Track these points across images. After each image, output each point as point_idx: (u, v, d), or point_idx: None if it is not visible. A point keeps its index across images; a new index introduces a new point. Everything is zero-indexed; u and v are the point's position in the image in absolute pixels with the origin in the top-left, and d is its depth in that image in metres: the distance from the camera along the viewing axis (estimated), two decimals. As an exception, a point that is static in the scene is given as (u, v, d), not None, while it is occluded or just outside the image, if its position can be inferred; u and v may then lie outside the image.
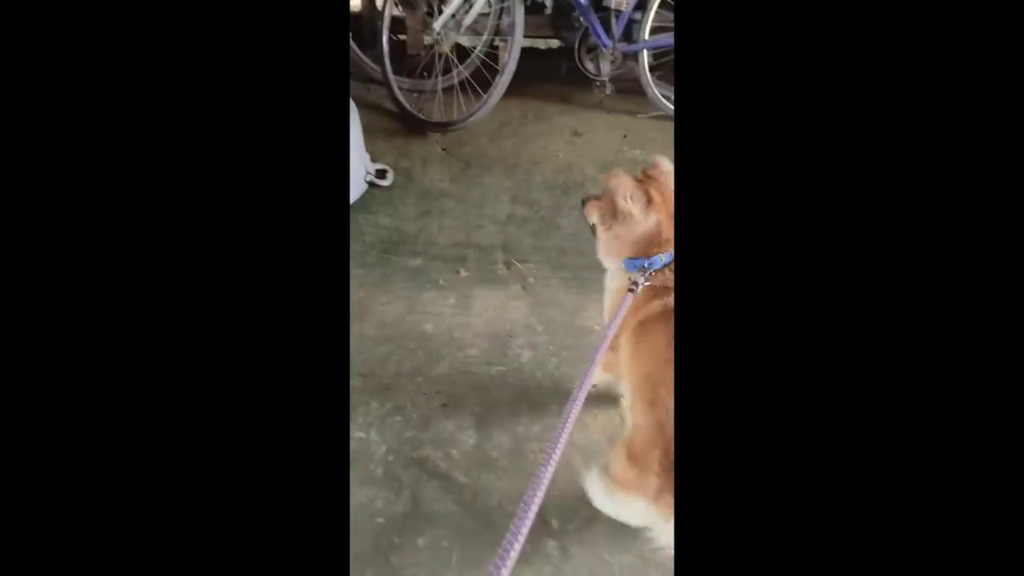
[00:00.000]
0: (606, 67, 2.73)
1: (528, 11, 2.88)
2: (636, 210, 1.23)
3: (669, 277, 1.20)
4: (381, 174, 2.32)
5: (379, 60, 2.56)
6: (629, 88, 2.92)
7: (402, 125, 2.67)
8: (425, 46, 2.68)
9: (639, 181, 1.26)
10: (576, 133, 2.73)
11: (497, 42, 2.73)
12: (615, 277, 1.30)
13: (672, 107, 2.74)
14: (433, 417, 1.49)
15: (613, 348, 1.29)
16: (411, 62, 2.69)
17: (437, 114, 2.59)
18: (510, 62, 2.43)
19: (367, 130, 2.65)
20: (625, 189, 1.23)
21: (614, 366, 1.32)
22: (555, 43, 2.99)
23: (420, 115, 2.59)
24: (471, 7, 2.43)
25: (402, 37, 2.90)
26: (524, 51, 3.28)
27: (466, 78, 2.59)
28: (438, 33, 2.48)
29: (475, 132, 2.66)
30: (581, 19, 2.61)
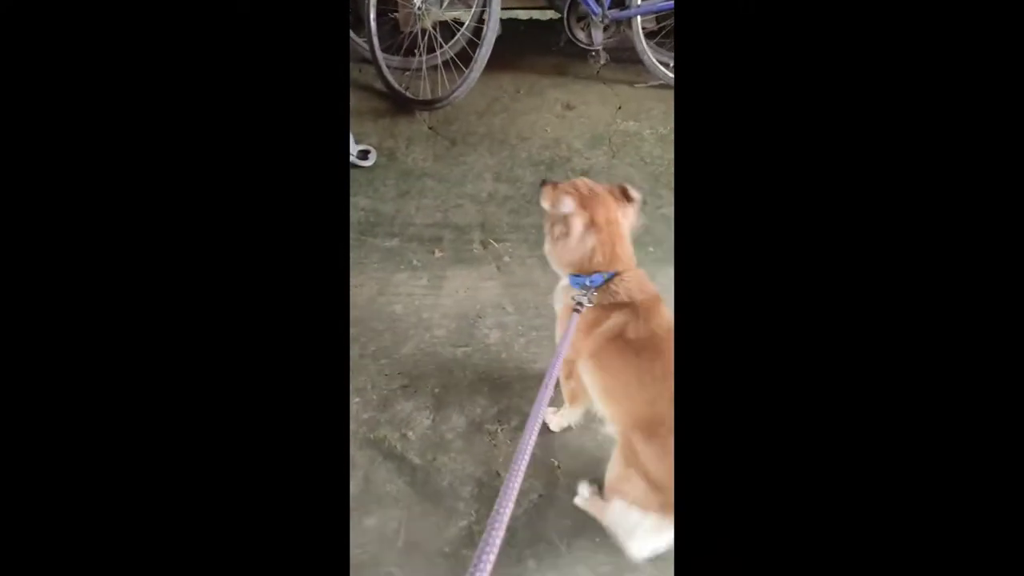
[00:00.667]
0: (598, 36, 2.63)
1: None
2: (574, 233, 1.15)
3: (614, 292, 1.13)
4: (363, 155, 2.30)
5: (367, 38, 2.53)
6: (628, 57, 2.82)
7: (391, 105, 2.64)
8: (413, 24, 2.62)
9: (589, 196, 1.18)
10: (568, 106, 2.65)
11: (485, 16, 2.67)
12: (563, 293, 1.24)
13: (671, 75, 2.63)
14: (392, 398, 1.49)
15: (570, 375, 1.25)
16: (400, 40, 2.65)
17: (424, 92, 2.55)
18: (488, 35, 2.37)
19: (354, 111, 2.63)
20: (563, 210, 1.16)
21: (579, 399, 1.28)
22: (550, 13, 2.90)
23: (407, 93, 2.56)
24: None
25: (394, 15, 2.86)
26: (520, 22, 3.20)
27: (451, 56, 2.54)
28: (419, 9, 2.43)
29: (464, 109, 2.61)
30: (569, -14, 2.52)
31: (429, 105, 2.51)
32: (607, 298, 1.13)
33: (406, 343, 1.64)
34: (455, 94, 2.44)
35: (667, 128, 2.49)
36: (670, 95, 2.64)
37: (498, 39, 2.70)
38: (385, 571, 1.18)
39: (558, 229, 1.17)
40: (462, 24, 2.55)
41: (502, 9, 2.80)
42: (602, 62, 2.77)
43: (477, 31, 2.50)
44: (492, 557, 0.57)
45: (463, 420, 1.43)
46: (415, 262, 1.90)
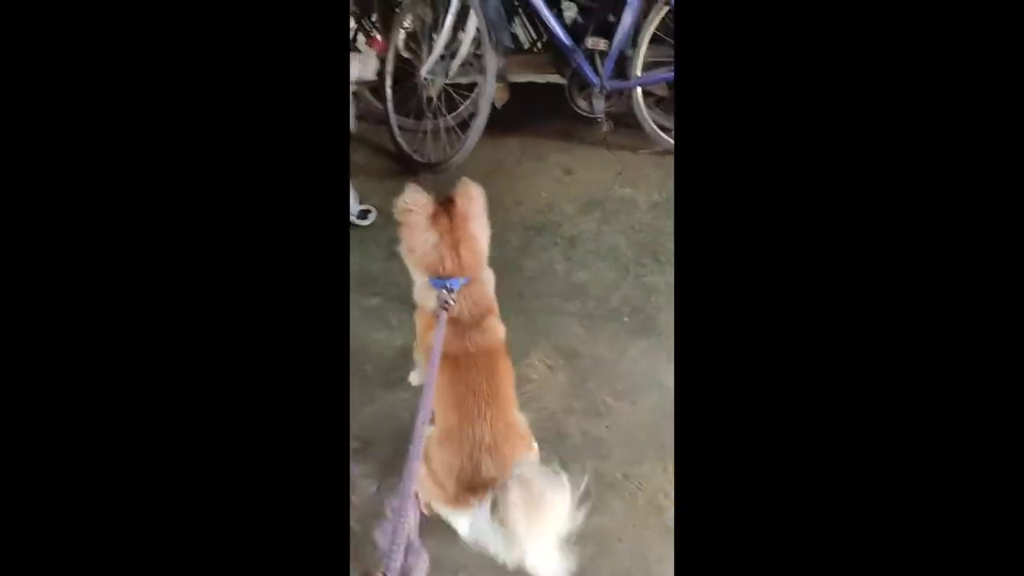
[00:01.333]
0: (599, 104, 2.70)
1: (518, 51, 2.93)
2: (419, 237, 1.25)
3: (465, 308, 1.20)
4: (363, 214, 2.40)
5: (383, 100, 2.68)
6: (634, 123, 2.87)
7: (399, 166, 2.76)
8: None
9: (441, 205, 1.28)
10: (568, 171, 2.71)
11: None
12: (423, 294, 1.31)
13: (672, 141, 2.67)
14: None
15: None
16: (414, 103, 2.79)
17: (429, 155, 2.66)
18: (483, 103, 2.46)
19: (363, 170, 2.76)
20: (416, 208, 1.25)
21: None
22: (556, 78, 3.00)
23: (414, 156, 2.67)
24: (457, 51, 2.49)
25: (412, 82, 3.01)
26: (527, 86, 3.31)
27: (452, 121, 2.65)
28: (426, 77, 2.56)
29: (468, 172, 2.70)
30: (569, 58, 2.61)
31: (432, 168, 2.61)
32: (460, 309, 1.21)
33: (371, 403, 1.67)
34: (454, 159, 2.54)
35: (661, 195, 2.51)
36: (670, 161, 2.66)
37: (508, 103, 2.82)
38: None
39: (406, 221, 1.26)
40: (470, 90, 2.67)
41: (514, 73, 2.93)
42: (605, 129, 2.83)
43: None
44: None
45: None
46: (393, 322, 1.95)
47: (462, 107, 2.71)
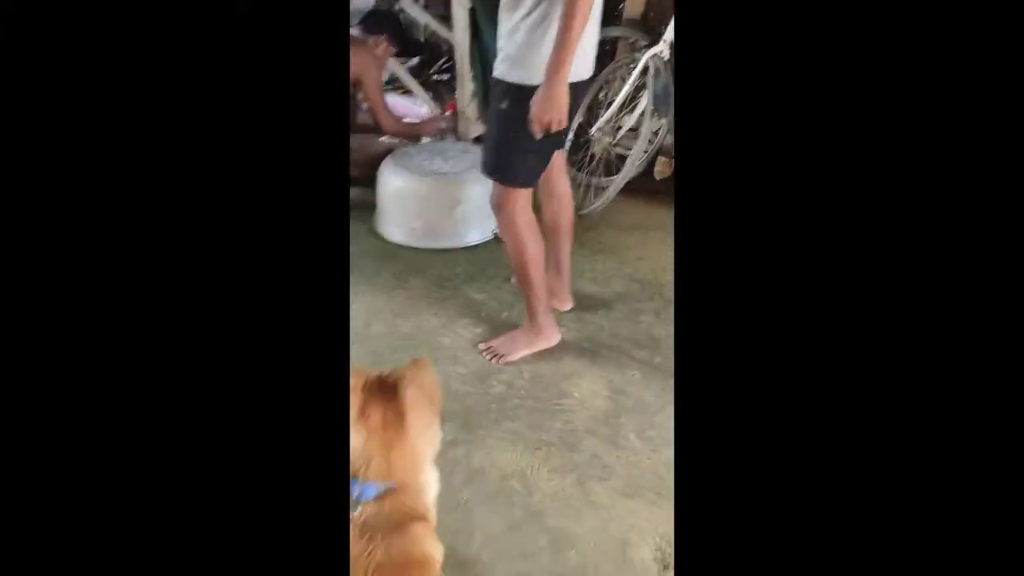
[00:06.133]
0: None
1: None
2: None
3: (382, 512, 0.94)
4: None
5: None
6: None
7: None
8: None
9: (379, 389, 1.01)
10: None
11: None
12: None
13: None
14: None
15: None
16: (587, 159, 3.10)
17: (576, 201, 2.96)
18: (628, 164, 2.71)
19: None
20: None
21: None
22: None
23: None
24: (624, 118, 2.78)
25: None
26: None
27: (604, 182, 2.91)
28: (592, 136, 2.88)
29: (605, 220, 2.92)
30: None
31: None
32: (378, 519, 0.94)
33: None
34: (588, 209, 2.80)
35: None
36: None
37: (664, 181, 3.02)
38: None
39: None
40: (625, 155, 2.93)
41: (676, 158, 3.13)
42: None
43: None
44: None
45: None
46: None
47: (615, 180, 2.96)
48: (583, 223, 2.93)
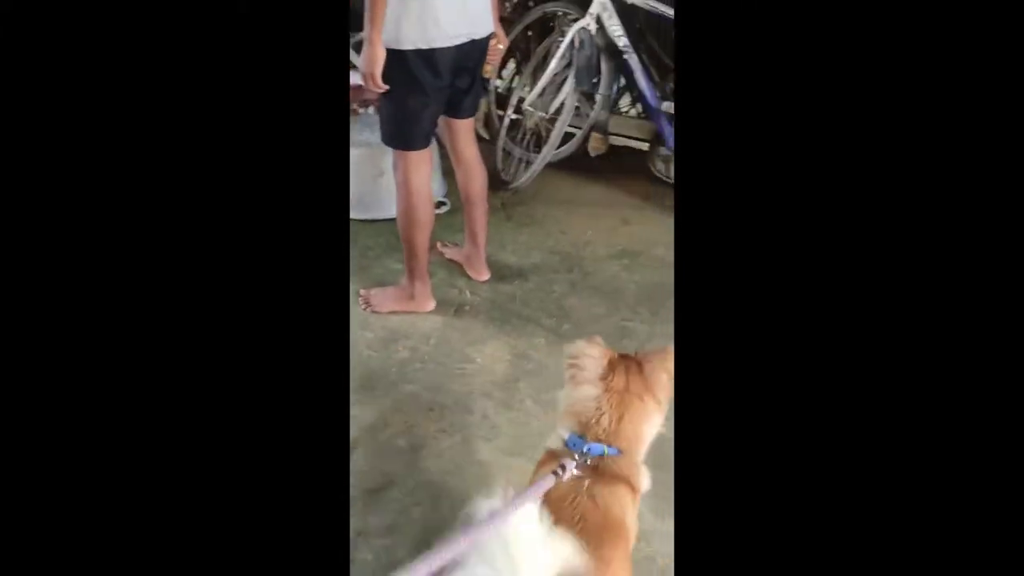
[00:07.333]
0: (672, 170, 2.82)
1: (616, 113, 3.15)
2: (587, 379, 1.07)
3: (600, 473, 0.99)
4: (438, 204, 2.76)
5: (498, 123, 3.06)
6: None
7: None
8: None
9: (623, 363, 1.10)
10: (625, 221, 2.84)
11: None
12: (556, 443, 1.10)
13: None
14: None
15: None
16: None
17: (509, 175, 2.98)
18: (554, 135, 2.73)
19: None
20: (585, 358, 1.10)
21: None
22: (645, 146, 3.16)
23: (502, 174, 3.01)
24: (557, 92, 2.80)
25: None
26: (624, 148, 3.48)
27: (533, 156, 2.92)
28: (524, 110, 2.90)
29: (536, 196, 2.96)
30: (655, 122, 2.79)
31: (504, 186, 2.93)
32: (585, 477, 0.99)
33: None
34: (516, 183, 2.83)
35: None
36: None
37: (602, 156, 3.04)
38: None
39: (571, 372, 1.11)
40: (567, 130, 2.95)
41: (610, 134, 3.17)
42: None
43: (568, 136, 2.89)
44: None
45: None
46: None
47: (543, 155, 2.98)
48: (516, 197, 2.97)
